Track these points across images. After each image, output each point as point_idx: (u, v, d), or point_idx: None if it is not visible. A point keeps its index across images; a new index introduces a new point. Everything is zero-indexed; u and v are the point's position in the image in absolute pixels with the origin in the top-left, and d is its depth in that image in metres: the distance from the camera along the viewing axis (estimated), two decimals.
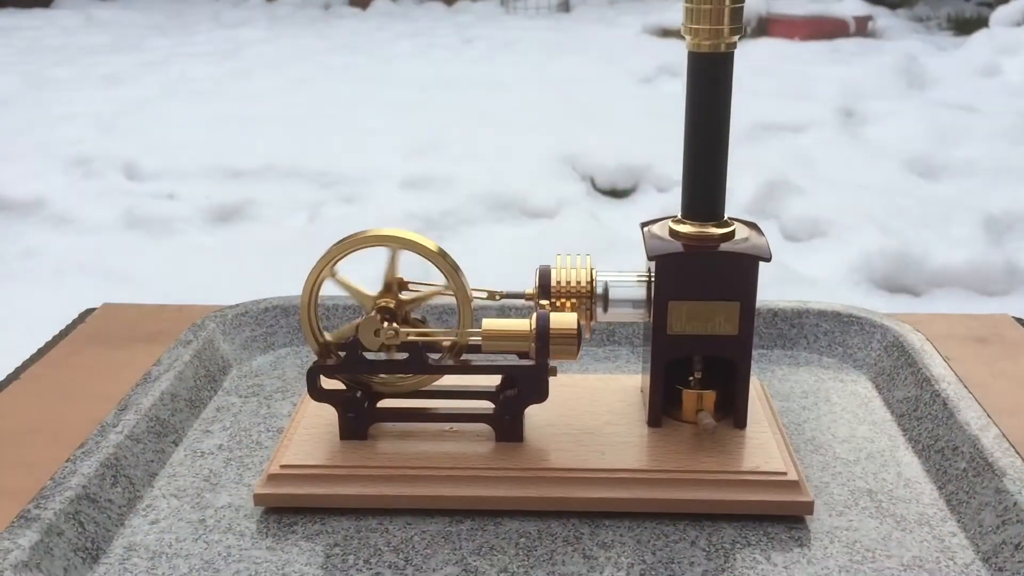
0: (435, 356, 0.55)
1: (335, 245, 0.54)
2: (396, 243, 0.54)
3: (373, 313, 0.53)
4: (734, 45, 0.51)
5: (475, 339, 0.54)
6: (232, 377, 0.69)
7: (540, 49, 4.88)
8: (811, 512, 0.52)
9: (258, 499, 0.53)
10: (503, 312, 0.73)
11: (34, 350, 0.75)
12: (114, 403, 0.62)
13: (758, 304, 0.73)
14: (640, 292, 0.56)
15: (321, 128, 3.36)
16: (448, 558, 0.49)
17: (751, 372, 0.66)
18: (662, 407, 0.57)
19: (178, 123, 3.45)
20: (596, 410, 0.58)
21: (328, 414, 0.56)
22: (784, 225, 2.43)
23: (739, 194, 2.57)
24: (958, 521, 0.52)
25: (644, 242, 0.55)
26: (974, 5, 6.22)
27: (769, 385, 0.67)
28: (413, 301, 0.55)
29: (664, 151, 2.61)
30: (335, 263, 0.54)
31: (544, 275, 0.56)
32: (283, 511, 0.53)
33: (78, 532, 0.50)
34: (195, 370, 0.66)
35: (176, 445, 0.60)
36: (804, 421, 0.62)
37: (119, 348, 0.73)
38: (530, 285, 0.56)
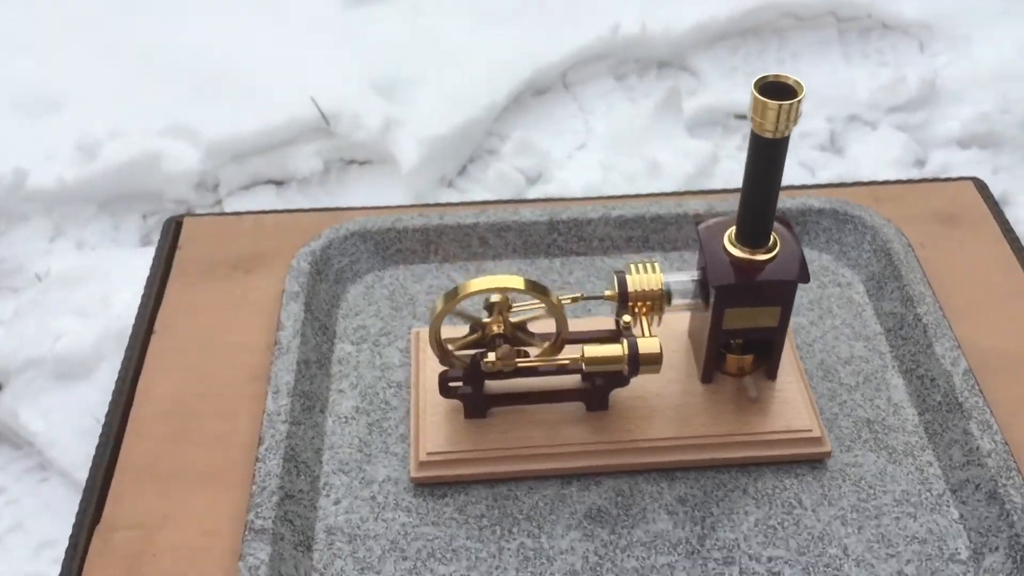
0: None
1: (448, 294, 0.65)
2: (504, 290, 0.65)
3: (496, 346, 0.66)
4: (790, 130, 0.60)
5: (574, 346, 0.68)
6: (337, 319, 0.81)
7: None
8: (830, 457, 0.70)
9: (415, 480, 0.69)
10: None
11: None
12: (247, 352, 0.75)
13: None
14: (696, 288, 0.69)
15: None
16: (569, 523, 0.67)
17: None
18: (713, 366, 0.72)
19: None
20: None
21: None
22: None
23: None
24: (934, 450, 0.70)
25: (703, 260, 0.67)
26: None
27: None
28: (520, 322, 0.68)
29: None
30: (451, 309, 0.66)
31: (622, 282, 0.68)
32: (434, 485, 0.69)
33: (291, 530, 0.66)
34: (311, 326, 0.78)
35: (323, 413, 0.74)
36: (813, 340, 0.78)
37: (223, 280, 0.83)
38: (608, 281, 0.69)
